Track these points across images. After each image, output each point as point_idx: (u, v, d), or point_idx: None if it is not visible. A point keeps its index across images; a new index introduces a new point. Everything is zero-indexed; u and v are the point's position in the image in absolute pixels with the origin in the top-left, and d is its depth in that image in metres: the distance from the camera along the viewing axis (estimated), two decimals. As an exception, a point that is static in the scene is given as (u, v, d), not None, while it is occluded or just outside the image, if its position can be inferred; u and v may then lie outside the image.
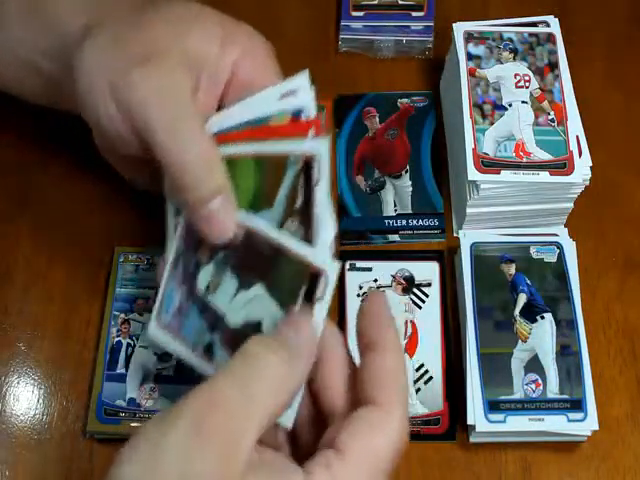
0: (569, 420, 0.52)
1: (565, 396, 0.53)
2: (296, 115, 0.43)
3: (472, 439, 0.54)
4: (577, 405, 0.52)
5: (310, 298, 0.38)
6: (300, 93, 0.43)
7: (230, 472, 0.31)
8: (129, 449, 0.31)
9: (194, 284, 0.43)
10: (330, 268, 0.37)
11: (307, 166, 0.40)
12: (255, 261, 0.41)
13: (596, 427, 0.52)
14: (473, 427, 0.52)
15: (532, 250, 0.58)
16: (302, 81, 0.44)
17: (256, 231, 0.41)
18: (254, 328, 0.40)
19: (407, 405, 0.35)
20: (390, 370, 0.35)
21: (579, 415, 0.52)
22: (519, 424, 0.52)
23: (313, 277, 0.38)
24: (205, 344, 0.42)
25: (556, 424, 0.52)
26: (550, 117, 0.58)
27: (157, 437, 0.31)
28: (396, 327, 0.37)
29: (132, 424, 0.53)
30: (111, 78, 0.44)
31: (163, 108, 0.43)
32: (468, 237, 0.58)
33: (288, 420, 0.37)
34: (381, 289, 0.58)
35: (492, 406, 0.52)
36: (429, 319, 0.57)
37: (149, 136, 0.43)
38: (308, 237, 0.39)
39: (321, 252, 0.38)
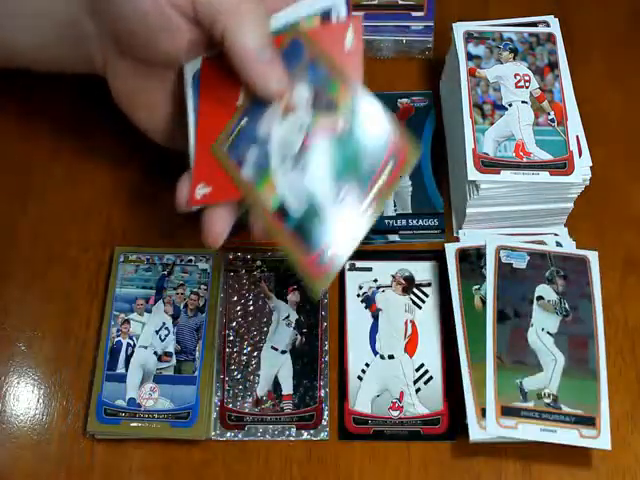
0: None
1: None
2: (325, 15, 0.41)
3: (472, 439, 0.53)
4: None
5: None
6: None
7: None
8: None
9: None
10: None
11: None
12: None
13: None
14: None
15: (532, 250, 0.58)
16: None
17: None
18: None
19: None
20: None
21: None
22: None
23: None
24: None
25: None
26: (550, 117, 0.58)
27: None
28: None
29: (132, 424, 0.53)
30: None
31: None
32: (468, 236, 0.58)
33: None
34: (381, 289, 0.58)
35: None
36: (429, 319, 0.57)
37: (209, 14, 0.43)
38: None
39: None
